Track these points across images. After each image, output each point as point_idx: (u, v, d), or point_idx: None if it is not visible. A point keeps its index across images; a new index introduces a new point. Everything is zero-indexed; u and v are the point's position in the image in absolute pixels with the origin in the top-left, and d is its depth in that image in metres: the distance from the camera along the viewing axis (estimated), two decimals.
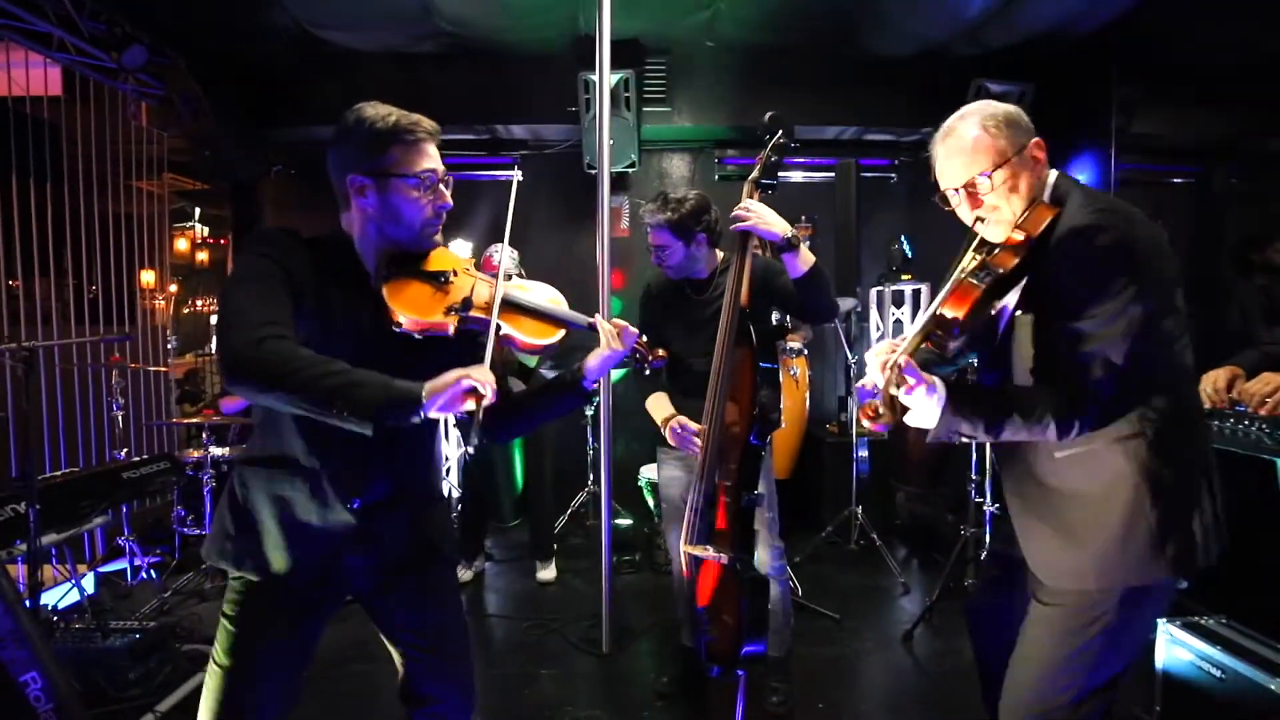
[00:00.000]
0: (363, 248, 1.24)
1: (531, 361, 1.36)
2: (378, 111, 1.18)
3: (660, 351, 1.49)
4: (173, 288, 5.90)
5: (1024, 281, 1.23)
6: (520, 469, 3.24)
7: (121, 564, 3.16)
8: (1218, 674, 1.79)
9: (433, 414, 1.05)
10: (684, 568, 1.99)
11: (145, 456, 2.78)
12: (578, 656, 2.72)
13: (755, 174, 1.95)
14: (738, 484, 1.87)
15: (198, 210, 6.93)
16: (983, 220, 1.24)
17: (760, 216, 1.86)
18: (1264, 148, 4.48)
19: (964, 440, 1.19)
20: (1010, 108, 1.26)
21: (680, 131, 4.46)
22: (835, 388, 4.42)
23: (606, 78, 2.71)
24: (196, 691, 2.27)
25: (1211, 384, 2.11)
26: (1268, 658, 1.73)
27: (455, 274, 1.23)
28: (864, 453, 3.66)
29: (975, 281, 1.16)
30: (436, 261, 1.24)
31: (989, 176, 1.21)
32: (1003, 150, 1.21)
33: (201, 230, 7.31)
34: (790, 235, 1.85)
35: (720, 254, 2.23)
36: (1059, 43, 3.72)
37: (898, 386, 1.12)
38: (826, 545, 3.75)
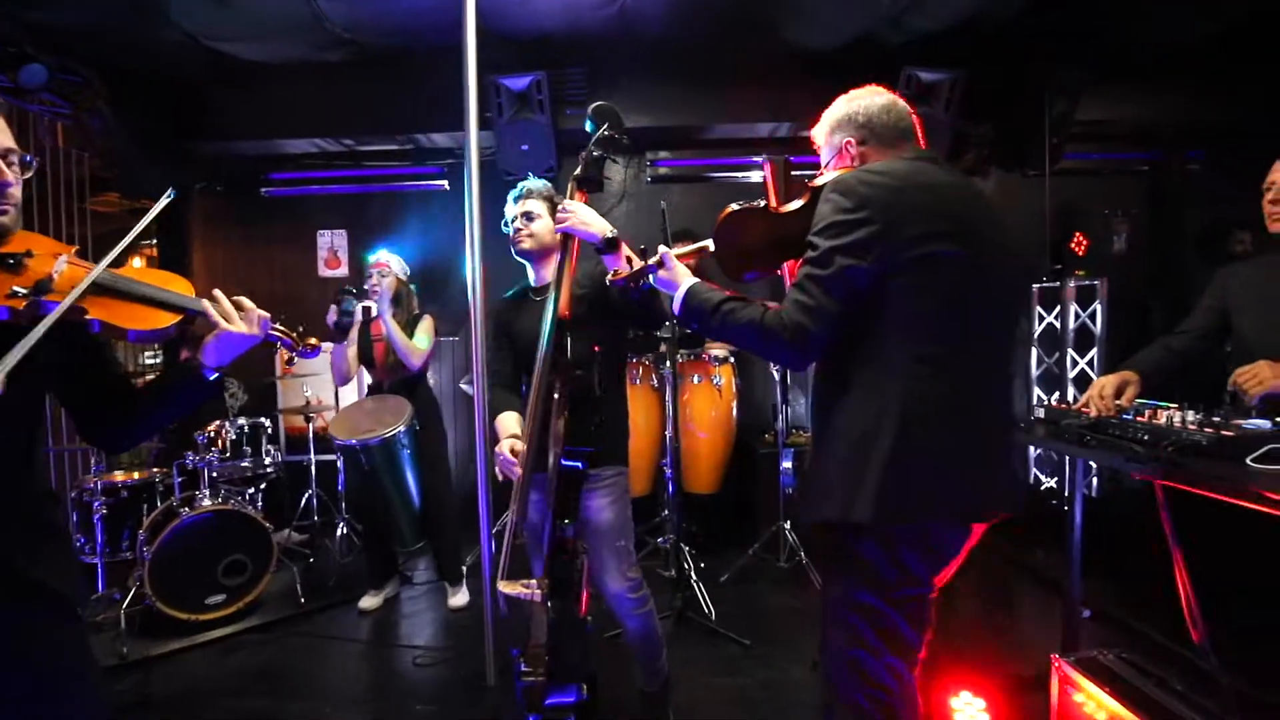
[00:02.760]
0: None
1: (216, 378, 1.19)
2: None
3: (313, 340, 1.40)
4: None
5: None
6: (415, 490, 3.10)
7: None
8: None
9: None
10: (503, 605, 1.82)
11: None
12: (461, 690, 2.57)
13: (578, 171, 1.85)
14: (554, 513, 1.71)
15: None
16: None
17: (578, 217, 1.75)
18: (1225, 130, 4.23)
19: (694, 328, 1.46)
20: (844, 108, 1.42)
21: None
22: (770, 395, 4.23)
23: (473, 81, 2.60)
24: None
25: (1099, 391, 1.92)
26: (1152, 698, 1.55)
27: (32, 254, 1.08)
28: (788, 464, 3.47)
29: (732, 207, 1.41)
30: (14, 245, 1.09)
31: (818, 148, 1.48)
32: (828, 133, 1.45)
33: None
34: (609, 235, 1.72)
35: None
36: (988, 26, 3.53)
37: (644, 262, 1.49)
38: (757, 562, 3.56)
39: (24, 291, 1.02)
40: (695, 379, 3.73)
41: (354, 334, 3.22)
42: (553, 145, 3.90)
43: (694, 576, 3.21)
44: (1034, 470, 4.25)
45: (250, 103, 4.00)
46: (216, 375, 1.24)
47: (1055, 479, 4.17)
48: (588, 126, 1.90)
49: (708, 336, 1.39)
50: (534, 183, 2.06)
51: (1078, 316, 4.12)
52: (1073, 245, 4.38)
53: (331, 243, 4.57)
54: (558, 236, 2.00)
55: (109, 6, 3.08)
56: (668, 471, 3.36)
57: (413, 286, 3.34)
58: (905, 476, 1.19)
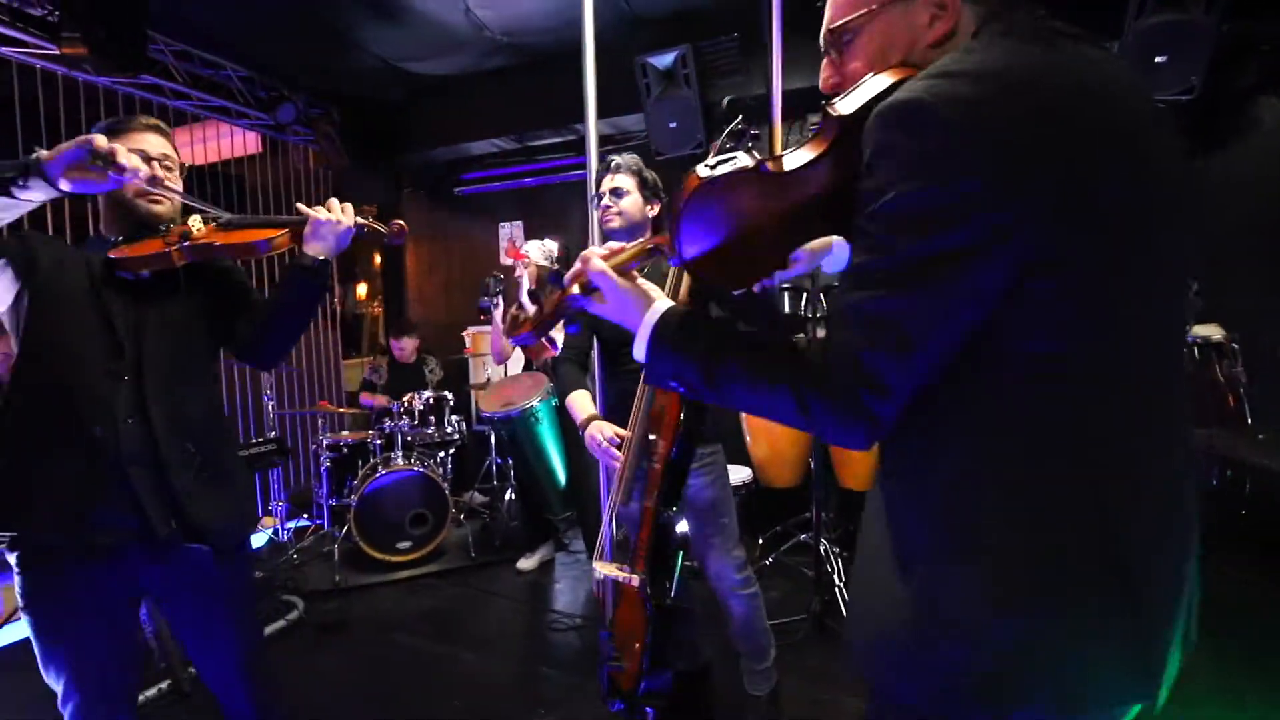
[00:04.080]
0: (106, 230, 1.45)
1: (325, 266, 1.45)
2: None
3: (399, 223, 1.49)
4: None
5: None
6: (558, 462, 3.29)
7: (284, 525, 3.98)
8: None
9: (64, 184, 1.16)
10: (595, 587, 1.84)
11: (260, 439, 3.46)
12: (585, 659, 2.69)
13: (709, 164, 1.73)
14: (657, 500, 1.67)
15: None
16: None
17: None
18: None
19: (692, 395, 0.81)
20: None
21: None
22: None
23: (590, 64, 2.60)
24: (276, 631, 2.85)
25: None
26: None
27: (174, 223, 1.42)
28: None
29: (699, 171, 0.78)
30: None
31: (842, 33, 0.81)
32: None
33: None
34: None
35: None
36: None
37: (561, 293, 0.93)
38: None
39: (174, 243, 1.38)
40: None
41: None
42: (700, 119, 3.79)
43: (840, 580, 2.95)
44: None
45: (440, 113, 4.54)
46: (320, 262, 1.40)
47: None
48: (735, 123, 1.79)
49: (702, 399, 0.82)
50: (622, 156, 2.01)
51: None
52: None
53: (510, 233, 5.01)
54: (648, 213, 1.95)
55: (320, 44, 3.69)
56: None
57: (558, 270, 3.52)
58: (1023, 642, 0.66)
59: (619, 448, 1.77)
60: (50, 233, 3.30)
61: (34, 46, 3.22)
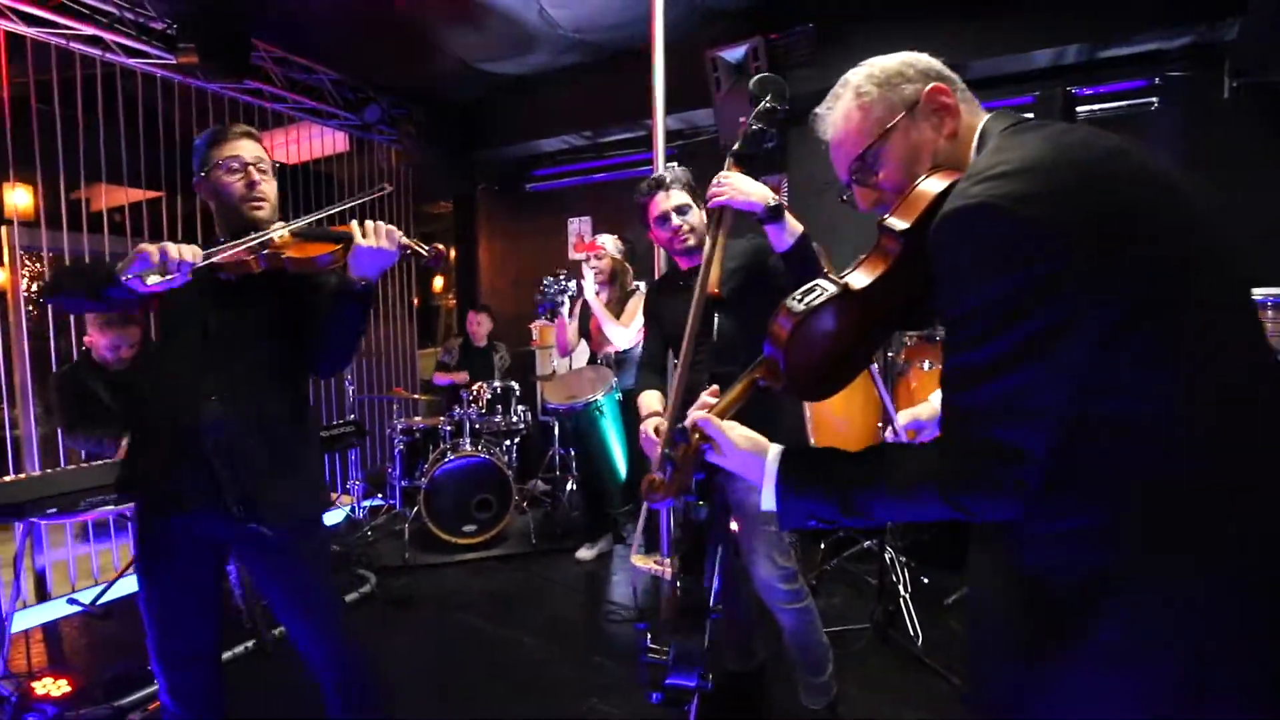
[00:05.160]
0: (220, 233, 1.58)
1: (368, 289, 1.52)
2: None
3: (439, 245, 1.57)
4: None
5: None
6: (620, 456, 3.33)
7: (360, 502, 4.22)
8: None
9: (146, 287, 1.30)
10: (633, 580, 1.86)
11: (340, 421, 3.67)
12: (636, 652, 2.71)
13: (737, 145, 1.71)
14: (680, 491, 1.67)
15: None
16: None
17: (736, 187, 1.63)
18: None
19: (828, 525, 0.92)
20: (895, 60, 0.92)
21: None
22: None
23: (660, 61, 2.60)
24: (351, 602, 3.03)
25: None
26: None
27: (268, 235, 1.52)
28: None
29: (794, 308, 0.85)
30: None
31: (866, 160, 0.92)
32: (880, 119, 0.90)
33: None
34: (772, 204, 1.59)
35: None
36: None
37: (688, 448, 0.96)
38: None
39: (261, 251, 1.48)
40: (926, 365, 3.23)
41: (576, 309, 3.56)
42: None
43: (906, 590, 2.83)
44: None
45: (515, 111, 4.66)
46: (364, 285, 1.48)
47: None
48: (752, 96, 1.76)
49: (839, 525, 1.04)
50: (669, 170, 1.95)
51: None
52: None
53: (579, 228, 5.09)
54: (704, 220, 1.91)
55: (404, 47, 3.86)
56: None
57: (628, 264, 3.54)
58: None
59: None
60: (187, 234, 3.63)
61: (154, 58, 3.54)
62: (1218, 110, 3.19)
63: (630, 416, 3.36)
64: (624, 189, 5.01)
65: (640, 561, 1.75)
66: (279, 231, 1.50)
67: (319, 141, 4.98)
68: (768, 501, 0.87)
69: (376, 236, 1.46)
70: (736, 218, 1.64)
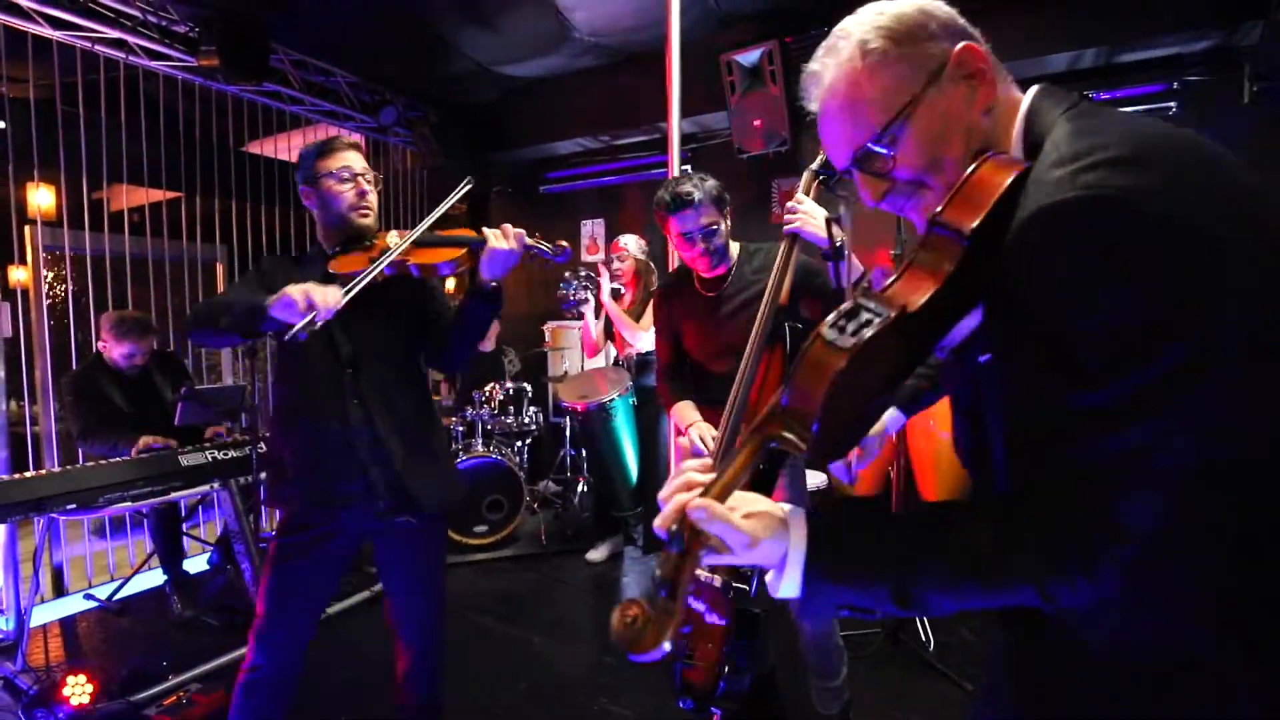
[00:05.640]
0: (325, 242, 1.68)
1: (450, 284, 1.57)
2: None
3: (563, 243, 1.63)
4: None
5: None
6: (630, 458, 3.33)
7: None
8: None
9: (288, 320, 1.37)
10: None
11: None
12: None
13: (816, 163, 1.65)
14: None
15: None
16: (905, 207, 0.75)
17: (812, 218, 1.59)
18: None
19: (867, 614, 0.67)
20: (911, 8, 0.72)
21: None
22: None
23: (676, 62, 2.61)
24: (362, 601, 3.04)
25: None
26: None
27: (376, 237, 1.61)
28: None
29: (838, 342, 0.62)
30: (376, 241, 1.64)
31: (881, 142, 0.71)
32: (896, 87, 0.70)
33: None
34: (838, 243, 1.57)
35: (735, 245, 1.97)
36: None
37: (682, 559, 0.65)
38: None
39: (375, 258, 1.53)
40: None
41: (601, 311, 3.56)
42: (785, 117, 3.72)
43: None
44: None
45: (530, 113, 4.68)
46: (494, 286, 1.57)
47: None
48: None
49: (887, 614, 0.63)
50: (696, 185, 1.81)
51: None
52: None
53: (592, 231, 5.10)
54: (725, 245, 1.87)
55: (420, 50, 3.89)
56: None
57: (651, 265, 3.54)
58: None
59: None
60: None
61: (176, 60, 3.59)
62: (1237, 115, 3.16)
63: (644, 419, 3.36)
64: (638, 191, 5.07)
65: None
66: (401, 246, 1.57)
67: None
68: (788, 590, 0.65)
69: (508, 239, 1.53)
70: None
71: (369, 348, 1.60)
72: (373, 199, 1.65)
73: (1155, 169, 0.55)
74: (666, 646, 0.66)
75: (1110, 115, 0.64)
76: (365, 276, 1.47)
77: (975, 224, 0.63)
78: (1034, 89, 0.71)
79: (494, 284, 1.57)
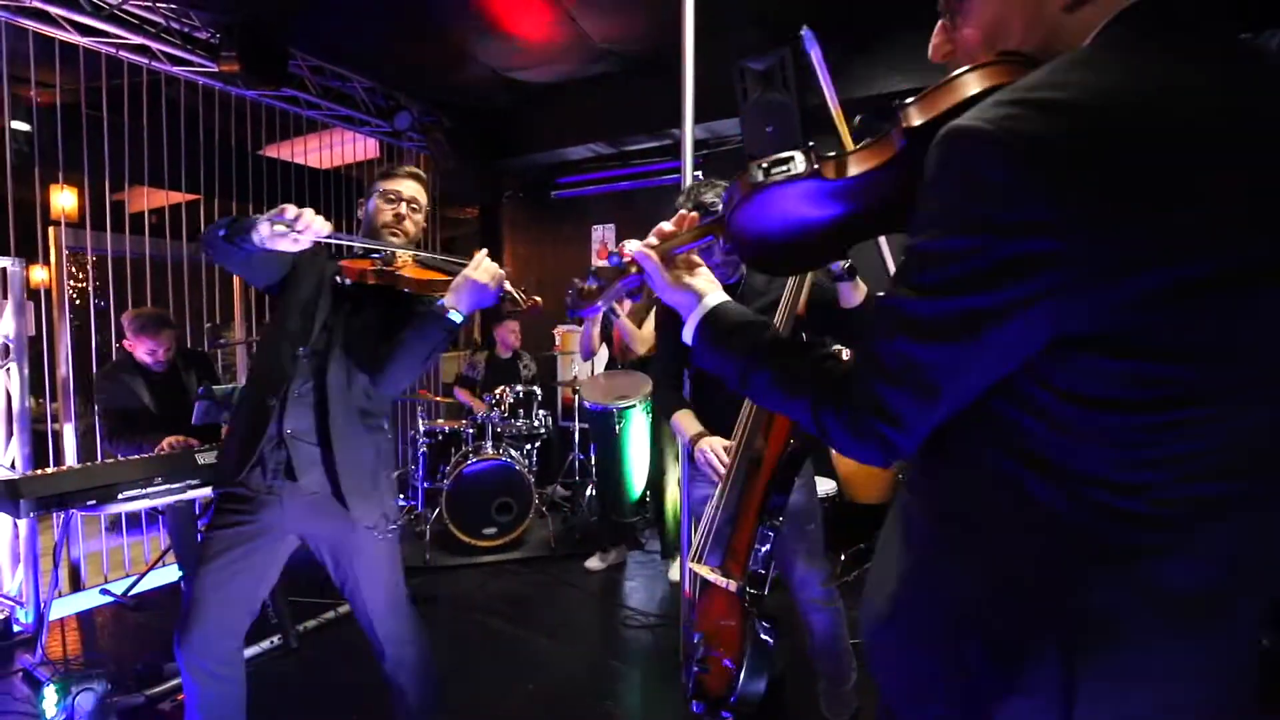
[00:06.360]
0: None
1: (457, 318, 1.60)
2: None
3: (537, 299, 1.65)
4: None
5: None
6: (637, 466, 3.34)
7: None
8: None
9: (267, 244, 1.45)
10: (687, 587, 1.86)
11: None
12: (654, 659, 2.71)
13: (762, 165, 1.69)
14: (760, 509, 1.66)
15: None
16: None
17: None
18: None
19: (727, 380, 0.84)
20: None
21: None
22: None
23: (689, 66, 2.62)
24: None
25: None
26: None
27: (395, 256, 1.68)
28: None
29: (763, 176, 0.73)
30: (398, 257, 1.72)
31: None
32: None
33: None
34: (847, 264, 1.59)
35: None
36: None
37: (619, 271, 0.94)
38: None
39: (374, 265, 1.65)
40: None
41: (599, 315, 3.58)
42: (797, 122, 3.72)
43: None
44: None
45: (542, 119, 4.72)
46: (452, 314, 1.57)
47: None
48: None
49: (732, 387, 0.83)
50: (706, 193, 1.86)
51: None
52: None
53: (602, 236, 5.13)
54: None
55: (435, 56, 3.94)
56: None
57: None
58: None
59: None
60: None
61: (197, 65, 3.66)
62: None
63: (652, 427, 3.38)
64: (649, 197, 5.10)
65: (702, 570, 1.73)
66: (403, 253, 1.65)
67: (350, 147, 5.09)
68: (687, 336, 0.88)
69: (483, 272, 1.57)
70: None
71: (340, 340, 1.65)
72: (409, 225, 1.75)
73: (1069, 119, 0.53)
74: (598, 306, 0.99)
75: (1138, 52, 0.56)
76: (357, 243, 1.65)
77: (921, 122, 0.65)
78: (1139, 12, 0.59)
79: (452, 310, 1.56)
